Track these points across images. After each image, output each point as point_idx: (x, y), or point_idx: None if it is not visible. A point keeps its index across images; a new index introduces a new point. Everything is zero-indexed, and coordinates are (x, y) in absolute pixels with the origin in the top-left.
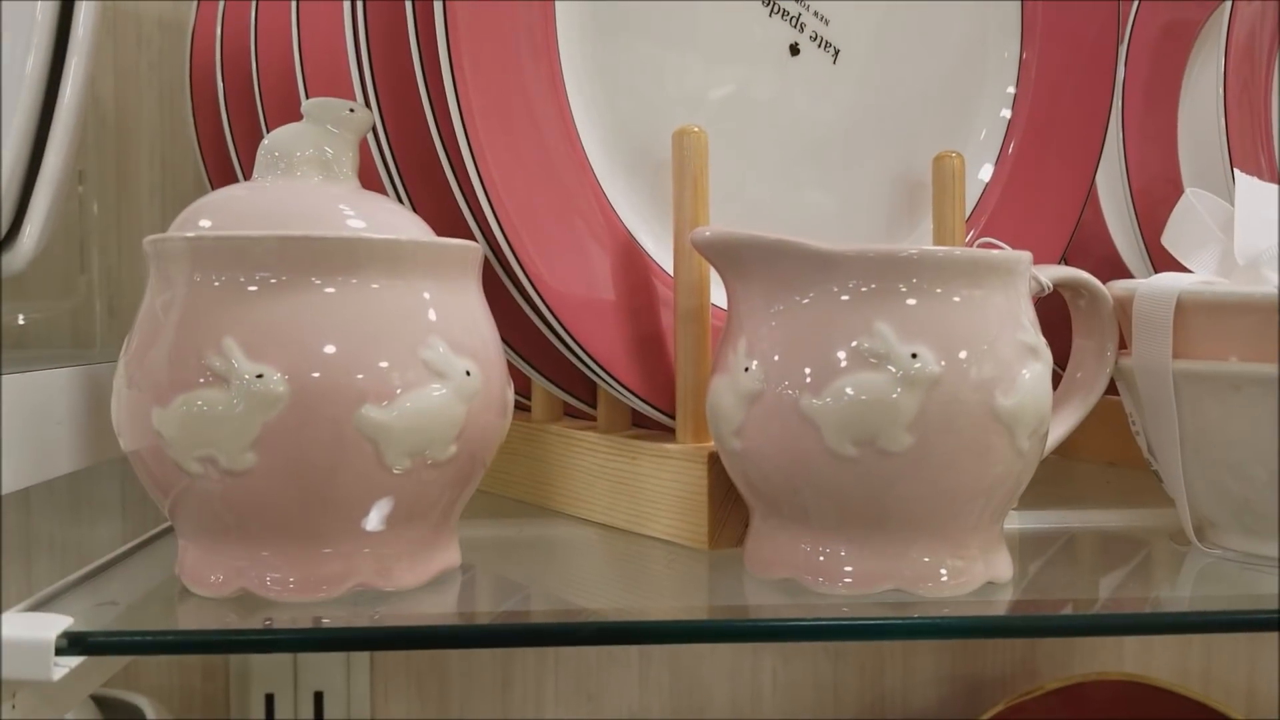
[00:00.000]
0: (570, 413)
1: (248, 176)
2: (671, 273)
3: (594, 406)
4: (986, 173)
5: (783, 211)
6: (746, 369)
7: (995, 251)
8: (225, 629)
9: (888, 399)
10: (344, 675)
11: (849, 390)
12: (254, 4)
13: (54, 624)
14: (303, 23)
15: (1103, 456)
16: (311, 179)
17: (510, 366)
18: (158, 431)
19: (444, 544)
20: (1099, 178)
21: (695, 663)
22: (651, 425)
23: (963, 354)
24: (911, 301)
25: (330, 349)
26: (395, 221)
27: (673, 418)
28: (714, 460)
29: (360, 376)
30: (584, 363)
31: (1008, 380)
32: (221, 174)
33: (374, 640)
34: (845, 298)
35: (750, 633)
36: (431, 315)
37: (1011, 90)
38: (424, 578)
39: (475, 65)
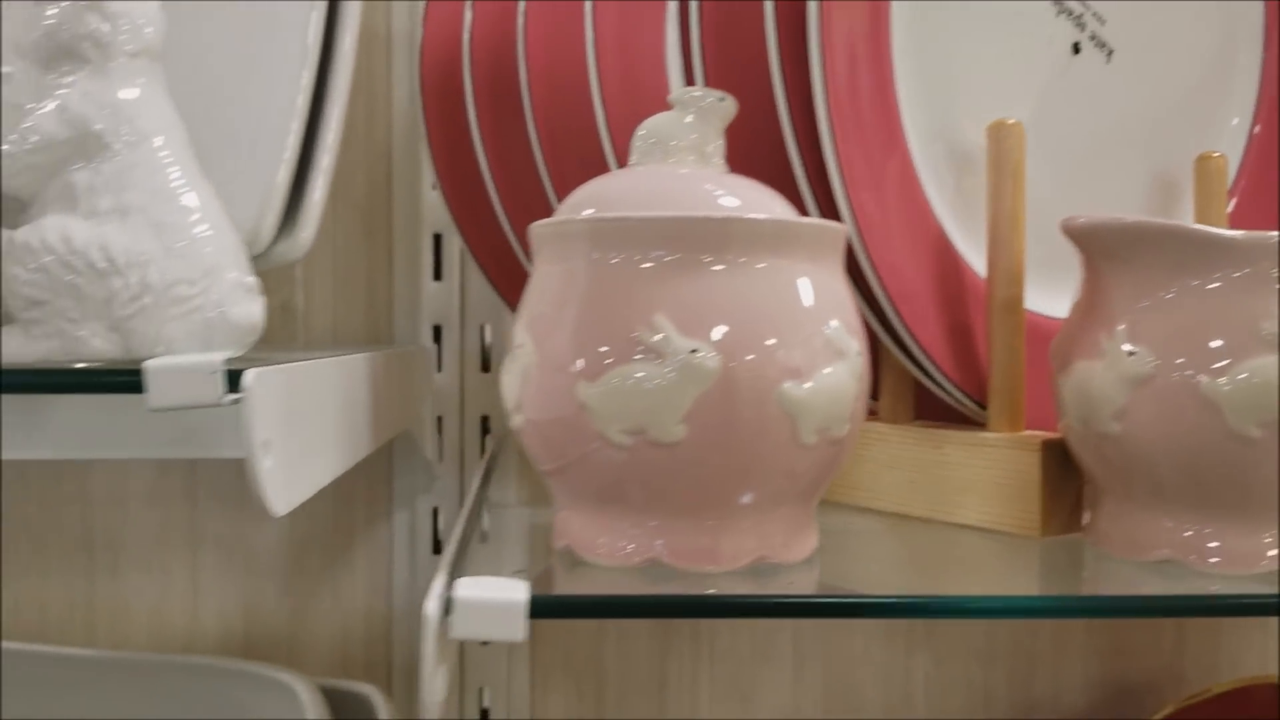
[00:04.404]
0: None
1: (495, 175)
2: (970, 265)
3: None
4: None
5: (1055, 208)
6: (1131, 353)
7: None
8: (671, 595)
9: None
10: (505, 673)
11: (1250, 375)
12: (520, 9)
13: (516, 588)
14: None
15: None
16: (685, 163)
17: None
18: (583, 404)
19: (812, 523)
20: None
21: (848, 664)
22: (925, 415)
23: None
24: None
25: (752, 326)
26: (769, 204)
27: (983, 408)
28: (1047, 448)
29: (780, 353)
30: (909, 353)
31: None
32: (453, 178)
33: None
34: (1245, 283)
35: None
36: (829, 296)
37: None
38: (804, 553)
39: (836, 66)
